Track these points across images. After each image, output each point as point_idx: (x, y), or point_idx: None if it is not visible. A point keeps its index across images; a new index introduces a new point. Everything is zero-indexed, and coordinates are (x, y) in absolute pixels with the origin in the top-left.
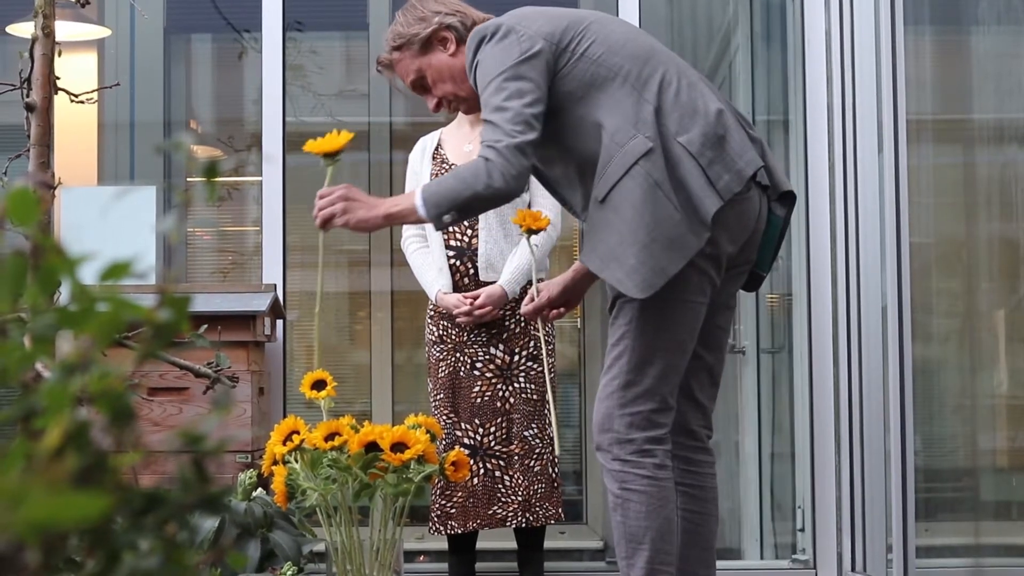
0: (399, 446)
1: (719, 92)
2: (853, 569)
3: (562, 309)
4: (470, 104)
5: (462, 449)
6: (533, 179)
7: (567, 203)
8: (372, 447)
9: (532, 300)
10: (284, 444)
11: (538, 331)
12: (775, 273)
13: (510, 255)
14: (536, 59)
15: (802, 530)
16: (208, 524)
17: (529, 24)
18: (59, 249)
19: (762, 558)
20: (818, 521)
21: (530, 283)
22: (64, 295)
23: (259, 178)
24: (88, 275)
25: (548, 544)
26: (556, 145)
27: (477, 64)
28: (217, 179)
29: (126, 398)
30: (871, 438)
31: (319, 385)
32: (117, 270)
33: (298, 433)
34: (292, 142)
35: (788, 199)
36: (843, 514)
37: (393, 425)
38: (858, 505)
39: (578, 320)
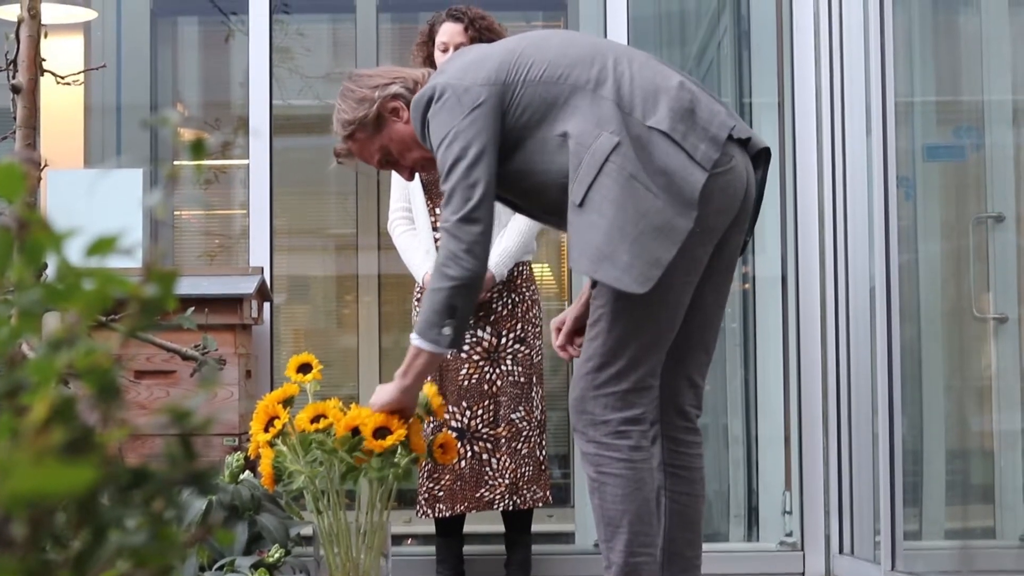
0: (382, 431)
1: (674, 67)
2: (841, 551)
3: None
4: None
5: (449, 432)
6: None
7: (557, 226)
8: (358, 431)
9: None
10: (266, 431)
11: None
12: (763, 255)
13: (497, 238)
14: (482, 108)
15: (789, 512)
16: (196, 507)
17: (464, 77)
18: (45, 224)
19: (749, 540)
20: (806, 504)
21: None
22: (50, 274)
23: (246, 161)
24: (74, 252)
25: (536, 527)
26: (530, 175)
27: (428, 128)
28: (204, 158)
29: (112, 374)
30: (859, 421)
31: (305, 368)
32: (103, 245)
33: (278, 418)
34: (279, 125)
35: (762, 159)
36: (831, 497)
37: None
38: (846, 488)
39: (566, 302)
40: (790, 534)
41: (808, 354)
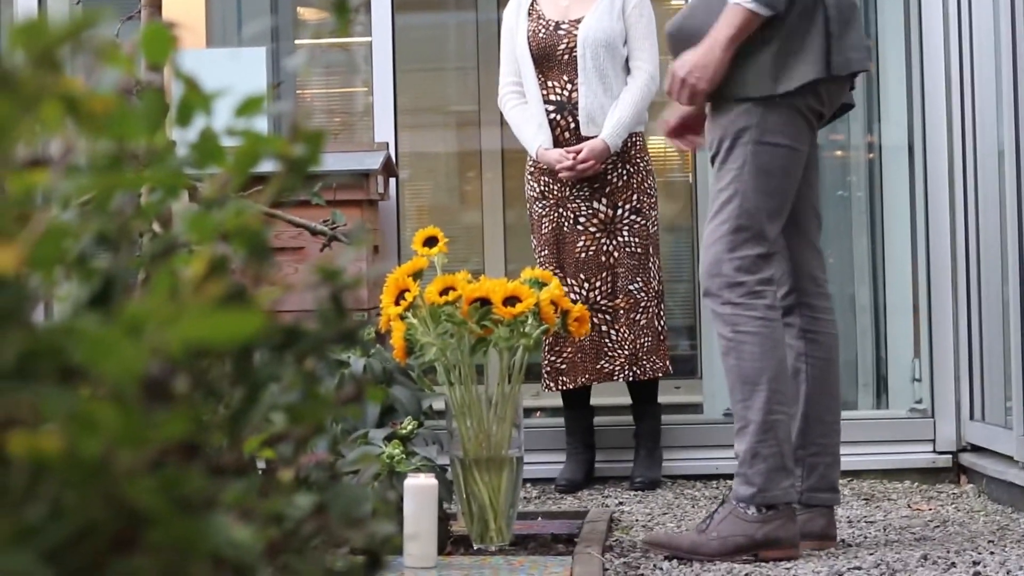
0: (511, 300)
1: None
2: (972, 418)
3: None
4: None
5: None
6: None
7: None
8: (483, 303)
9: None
10: (397, 304)
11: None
12: (888, 123)
13: (611, 108)
14: None
15: (919, 380)
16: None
17: None
18: (195, 85)
19: (878, 408)
20: (936, 371)
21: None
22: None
23: (368, 39)
24: (217, 120)
25: (663, 399)
26: None
27: None
28: (349, 19)
29: (263, 234)
30: (988, 286)
31: (431, 242)
32: (252, 105)
33: (409, 291)
34: (400, 2)
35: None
36: (961, 363)
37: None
38: (976, 354)
39: (689, 174)
40: (920, 401)
41: (936, 221)
